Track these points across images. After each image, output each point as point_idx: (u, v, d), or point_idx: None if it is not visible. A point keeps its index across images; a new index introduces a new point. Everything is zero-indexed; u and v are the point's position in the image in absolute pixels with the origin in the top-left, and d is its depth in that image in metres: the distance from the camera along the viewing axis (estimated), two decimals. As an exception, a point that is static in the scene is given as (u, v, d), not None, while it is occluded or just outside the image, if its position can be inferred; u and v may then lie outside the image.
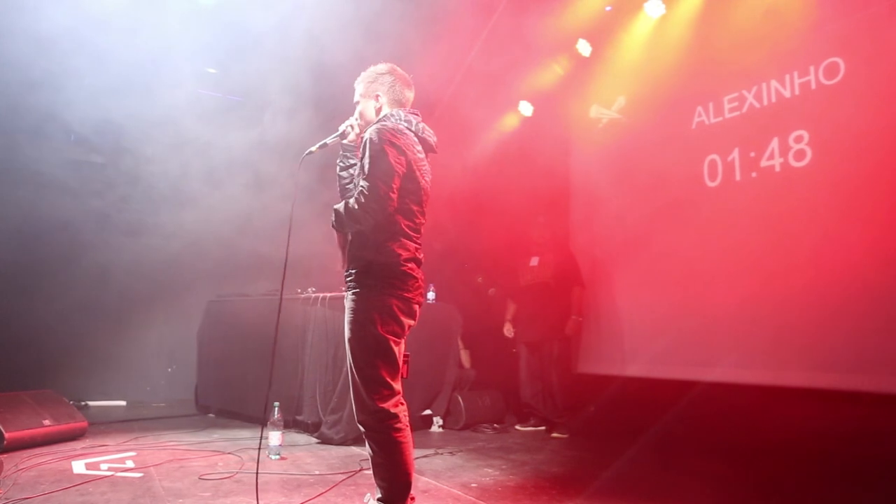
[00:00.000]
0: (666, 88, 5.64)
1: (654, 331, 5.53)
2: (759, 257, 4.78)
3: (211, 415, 6.19)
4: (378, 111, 2.73)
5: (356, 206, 2.45)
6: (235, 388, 5.96)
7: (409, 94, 2.79)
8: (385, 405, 2.44)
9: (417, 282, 2.58)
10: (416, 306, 2.60)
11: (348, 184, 2.76)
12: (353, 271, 2.55)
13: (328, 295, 5.18)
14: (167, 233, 6.82)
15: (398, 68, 2.80)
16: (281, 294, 2.82)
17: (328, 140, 2.78)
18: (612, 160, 6.20)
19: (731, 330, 4.86)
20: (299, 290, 5.50)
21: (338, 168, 2.82)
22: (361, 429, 2.50)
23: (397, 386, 2.51)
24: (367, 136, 2.56)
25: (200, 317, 6.74)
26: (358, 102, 2.77)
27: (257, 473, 3.00)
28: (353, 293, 2.53)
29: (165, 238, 6.86)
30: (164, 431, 5.17)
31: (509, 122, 7.03)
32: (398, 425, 2.46)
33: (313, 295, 5.33)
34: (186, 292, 7.04)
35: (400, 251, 2.53)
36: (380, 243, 2.52)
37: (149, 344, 7.32)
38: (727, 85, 5.19)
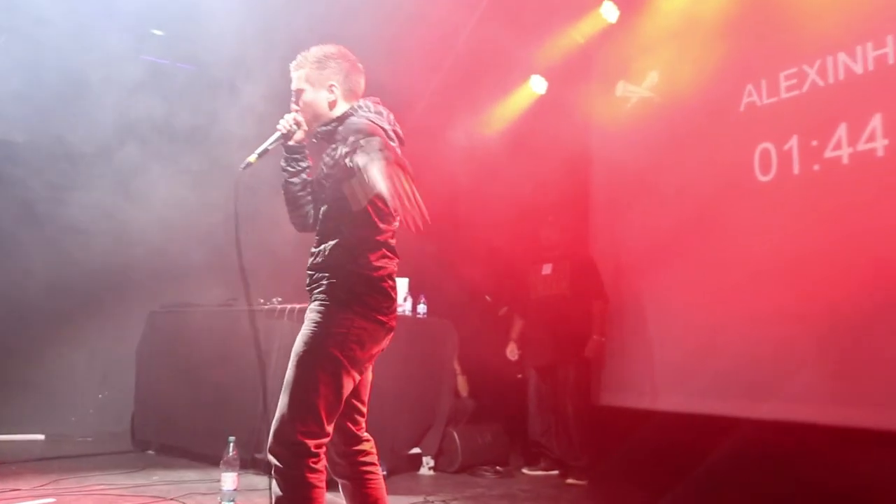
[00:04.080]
0: (708, 62, 5.58)
1: (691, 356, 5.48)
2: (823, 267, 4.71)
3: (151, 452, 6.14)
4: (333, 105, 2.71)
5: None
6: (182, 420, 5.90)
7: (362, 82, 2.79)
8: (306, 440, 2.40)
9: (394, 304, 2.61)
10: (390, 333, 2.62)
11: (300, 191, 2.75)
12: (325, 281, 2.55)
13: (297, 306, 5.11)
14: (101, 229, 6.66)
15: (347, 50, 2.78)
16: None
17: (269, 144, 2.72)
18: (641, 148, 6.15)
19: (789, 356, 4.79)
20: (262, 301, 5.44)
21: (285, 175, 2.78)
22: (272, 461, 2.44)
23: (328, 429, 2.47)
24: (345, 144, 2.45)
25: (140, 331, 6.64)
26: (302, 90, 2.71)
27: None
28: (321, 305, 2.54)
29: (99, 235, 6.68)
30: (91, 472, 5.09)
31: (518, 102, 7.02)
32: (316, 465, 2.42)
33: (279, 307, 5.27)
34: (124, 301, 6.93)
35: (379, 264, 2.56)
36: (359, 252, 2.54)
37: (75, 364, 7.17)
38: (784, 58, 5.14)
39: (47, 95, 5.78)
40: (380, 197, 2.43)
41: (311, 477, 2.40)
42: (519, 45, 6.56)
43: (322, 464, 2.46)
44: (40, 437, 6.79)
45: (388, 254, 2.61)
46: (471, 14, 6.49)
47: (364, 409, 2.67)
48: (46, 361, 6.86)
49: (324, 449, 2.48)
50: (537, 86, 6.86)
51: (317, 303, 2.55)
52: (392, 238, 2.64)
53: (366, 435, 2.66)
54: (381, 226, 2.58)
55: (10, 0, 4.95)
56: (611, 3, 6.22)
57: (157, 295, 6.76)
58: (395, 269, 2.66)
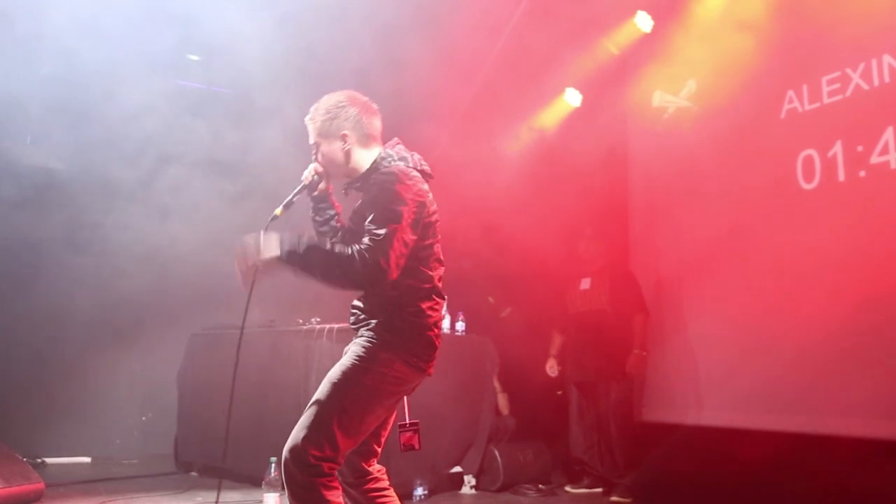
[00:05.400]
0: (747, 69, 5.54)
1: (736, 369, 5.41)
2: (872, 276, 4.62)
3: (194, 473, 6.17)
4: (348, 154, 2.72)
5: (356, 257, 2.41)
6: (225, 441, 5.88)
7: (378, 123, 2.79)
8: (321, 464, 2.42)
9: (436, 352, 2.64)
10: (420, 381, 2.67)
11: (333, 238, 2.81)
12: (375, 321, 2.60)
13: (335, 326, 5.11)
14: (142, 253, 6.79)
15: (357, 94, 2.79)
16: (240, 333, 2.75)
17: (293, 196, 2.75)
18: (680, 159, 6.11)
19: (839, 368, 4.71)
20: (300, 321, 5.46)
21: (315, 225, 2.86)
22: (284, 481, 2.45)
23: (341, 458, 2.51)
24: (371, 193, 2.58)
25: (182, 354, 6.69)
26: (318, 144, 2.75)
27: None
28: (368, 342, 2.57)
29: (139, 259, 6.83)
30: (137, 494, 5.17)
31: (554, 115, 6.99)
32: (331, 483, 2.43)
33: (318, 326, 5.26)
34: (165, 325, 6.99)
35: (431, 313, 2.62)
36: (409, 300, 2.58)
37: (119, 388, 7.28)
38: (826, 63, 5.09)
39: (86, 122, 5.86)
40: (424, 243, 2.57)
41: (329, 494, 2.41)
42: (553, 58, 6.56)
43: (336, 480, 2.49)
44: (87, 459, 6.90)
45: (437, 299, 2.64)
46: (503, 27, 6.48)
47: (379, 450, 2.69)
48: (91, 385, 6.95)
49: (336, 470, 2.50)
50: (572, 98, 6.82)
51: (363, 339, 2.58)
52: (439, 282, 2.67)
53: (376, 467, 2.68)
54: (429, 273, 2.61)
55: (51, 29, 5.03)
56: (645, 13, 6.18)
57: (197, 317, 6.76)
58: (441, 316, 2.69)
